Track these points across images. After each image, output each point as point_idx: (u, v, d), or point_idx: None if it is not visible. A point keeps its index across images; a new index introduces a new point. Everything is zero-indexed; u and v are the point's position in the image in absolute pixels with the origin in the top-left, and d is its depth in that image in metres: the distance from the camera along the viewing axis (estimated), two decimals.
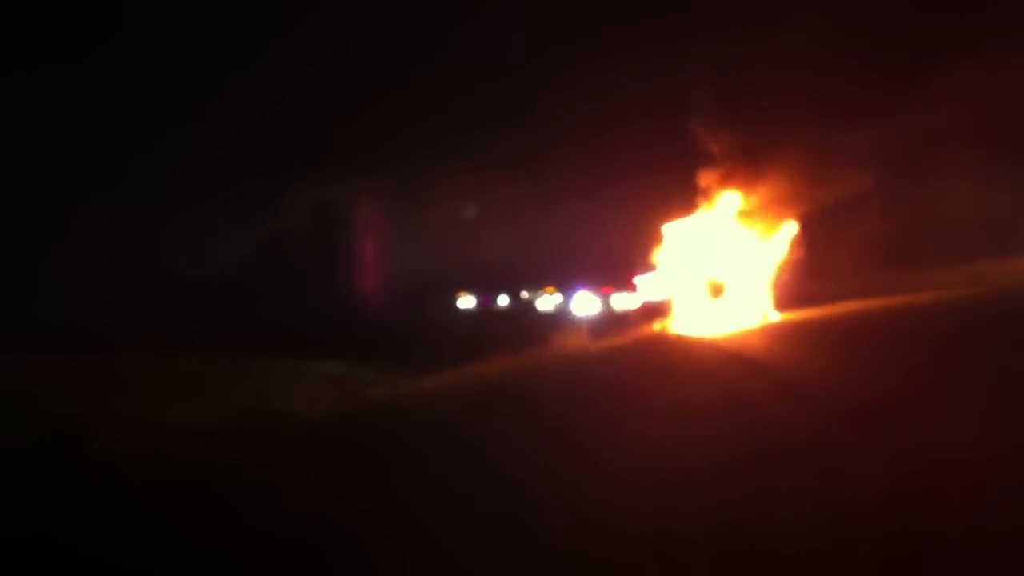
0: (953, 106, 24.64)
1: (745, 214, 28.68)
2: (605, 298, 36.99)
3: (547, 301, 37.88)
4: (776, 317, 28.08)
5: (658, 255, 29.99)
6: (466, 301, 37.67)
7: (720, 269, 29.11)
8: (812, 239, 28.40)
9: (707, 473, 8.20)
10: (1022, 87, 24.17)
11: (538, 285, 37.00)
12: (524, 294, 38.02)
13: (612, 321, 31.48)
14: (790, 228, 27.94)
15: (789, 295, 30.08)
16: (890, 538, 6.24)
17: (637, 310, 33.83)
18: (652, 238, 29.78)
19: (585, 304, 36.32)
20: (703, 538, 6.74)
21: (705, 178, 28.83)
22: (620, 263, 34.73)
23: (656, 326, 28.98)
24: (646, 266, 31.99)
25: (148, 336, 21.36)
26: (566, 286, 36.62)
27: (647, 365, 19.59)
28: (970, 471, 7.23)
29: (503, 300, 37.75)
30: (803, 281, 34.34)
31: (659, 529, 6.96)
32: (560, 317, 35.34)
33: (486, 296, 35.80)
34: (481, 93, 33.99)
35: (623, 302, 36.38)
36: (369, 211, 33.48)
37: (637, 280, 35.16)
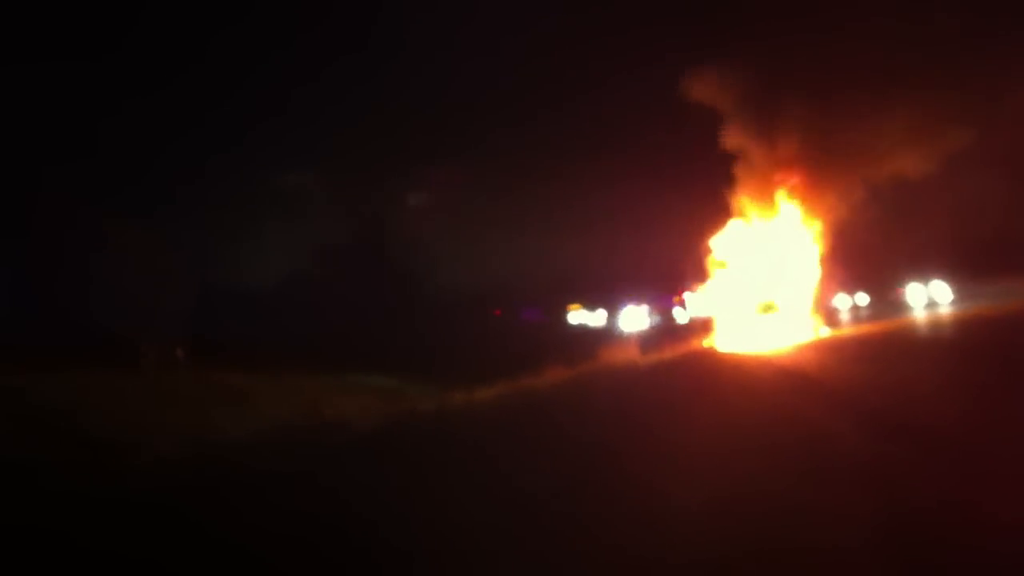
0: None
1: (797, 229, 28.44)
2: (654, 313, 36.81)
3: (575, 317, 37.81)
4: (827, 332, 27.72)
5: (707, 270, 29.87)
6: (582, 315, 37.55)
7: (770, 284, 28.87)
8: (862, 253, 28.03)
9: (760, 490, 8.11)
10: None
11: (592, 301, 36.96)
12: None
13: (661, 336, 31.23)
14: (841, 242, 27.63)
15: (838, 310, 29.81)
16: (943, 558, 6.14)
17: (686, 325, 33.60)
18: (701, 253, 29.65)
19: (633, 319, 36.16)
20: (751, 557, 6.66)
21: (756, 192, 28.67)
22: (669, 278, 34.59)
23: (705, 342, 28.79)
24: (696, 281, 31.86)
25: (197, 349, 21.76)
26: (614, 301, 36.49)
27: (697, 382, 19.41)
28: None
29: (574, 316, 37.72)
30: (852, 295, 34.01)
31: (709, 548, 6.89)
32: (608, 332, 35.18)
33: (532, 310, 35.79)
34: (524, 107, 34.11)
35: (673, 317, 36.18)
36: (420, 223, 33.83)
37: (686, 296, 34.98)
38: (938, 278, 33.02)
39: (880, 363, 17.63)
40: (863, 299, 36.51)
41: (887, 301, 33.78)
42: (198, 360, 20.65)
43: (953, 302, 31.70)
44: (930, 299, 32.88)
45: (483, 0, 30.87)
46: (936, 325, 26.41)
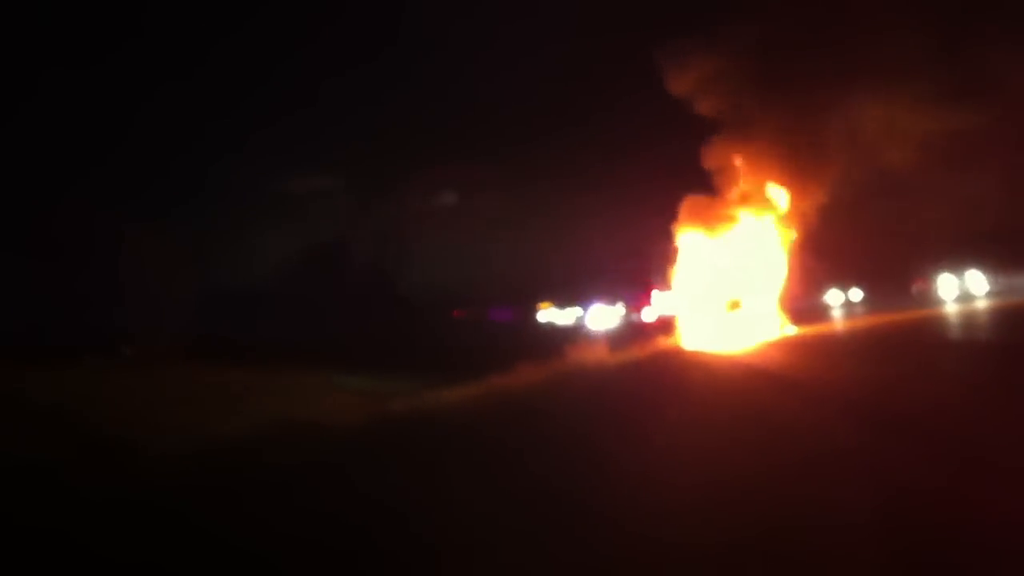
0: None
1: (762, 228, 28.78)
2: (622, 311, 37.05)
3: (544, 315, 37.88)
4: (793, 330, 28.16)
5: (674, 269, 30.09)
6: (553, 314, 37.35)
7: (736, 283, 29.18)
8: (827, 253, 28.38)
9: (732, 484, 8.26)
10: None
11: (563, 299, 37.02)
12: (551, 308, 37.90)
13: (629, 335, 31.49)
14: (806, 243, 28.02)
15: (804, 308, 30.18)
16: (915, 546, 6.33)
17: (653, 323, 33.85)
18: (668, 252, 29.87)
19: (601, 317, 36.38)
20: (727, 548, 6.77)
21: (722, 192, 28.96)
22: (636, 277, 34.82)
23: (672, 340, 29.04)
24: (662, 280, 32.12)
25: (181, 347, 21.58)
26: (582, 299, 36.66)
27: (667, 379, 19.64)
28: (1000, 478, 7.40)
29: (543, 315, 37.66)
30: (817, 294, 34.50)
31: (683, 540, 7.00)
32: (576, 331, 35.34)
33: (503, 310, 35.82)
34: (503, 111, 34.27)
35: (640, 316, 36.43)
36: (398, 228, 33.74)
37: (653, 294, 35.24)
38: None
39: (844, 359, 18.03)
40: (856, 295, 37.02)
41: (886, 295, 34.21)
42: (185, 358, 20.44)
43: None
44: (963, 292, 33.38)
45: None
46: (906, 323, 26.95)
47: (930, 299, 32.87)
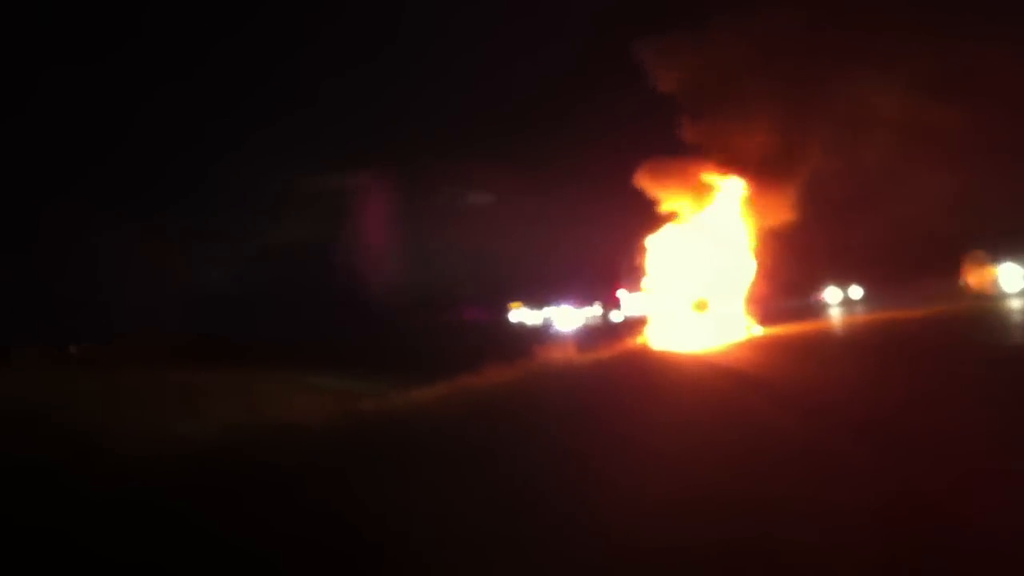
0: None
1: (729, 229, 29.00)
2: (590, 312, 37.16)
3: (516, 315, 37.83)
4: (760, 331, 28.39)
5: (642, 270, 30.21)
6: (523, 314, 37.05)
7: (704, 284, 29.36)
8: (794, 254, 28.58)
9: (701, 485, 8.28)
10: None
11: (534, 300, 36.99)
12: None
13: (598, 335, 31.57)
14: (773, 244, 28.23)
15: (772, 309, 30.36)
16: (887, 544, 6.39)
17: (621, 324, 33.98)
18: (635, 253, 29.97)
19: (570, 318, 36.45)
20: (698, 551, 6.79)
21: (688, 192, 29.09)
22: (604, 277, 34.92)
23: (640, 340, 29.16)
24: (630, 281, 32.26)
25: (150, 347, 21.32)
26: (550, 300, 36.72)
27: (635, 380, 19.68)
28: (963, 478, 7.49)
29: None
30: (785, 295, 34.66)
31: (648, 544, 7.00)
32: (545, 331, 35.39)
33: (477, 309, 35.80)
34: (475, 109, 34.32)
35: (608, 316, 36.55)
36: (364, 225, 33.52)
37: (621, 295, 35.37)
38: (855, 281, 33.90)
39: (807, 360, 18.23)
40: (857, 292, 36.63)
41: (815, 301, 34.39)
42: (154, 359, 20.16)
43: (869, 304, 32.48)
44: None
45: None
46: (857, 326, 27.25)
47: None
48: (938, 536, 6.44)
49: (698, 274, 29.41)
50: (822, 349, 21.49)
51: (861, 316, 30.44)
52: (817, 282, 35.35)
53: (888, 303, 31.01)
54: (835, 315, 32.50)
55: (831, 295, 36.71)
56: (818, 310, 34.23)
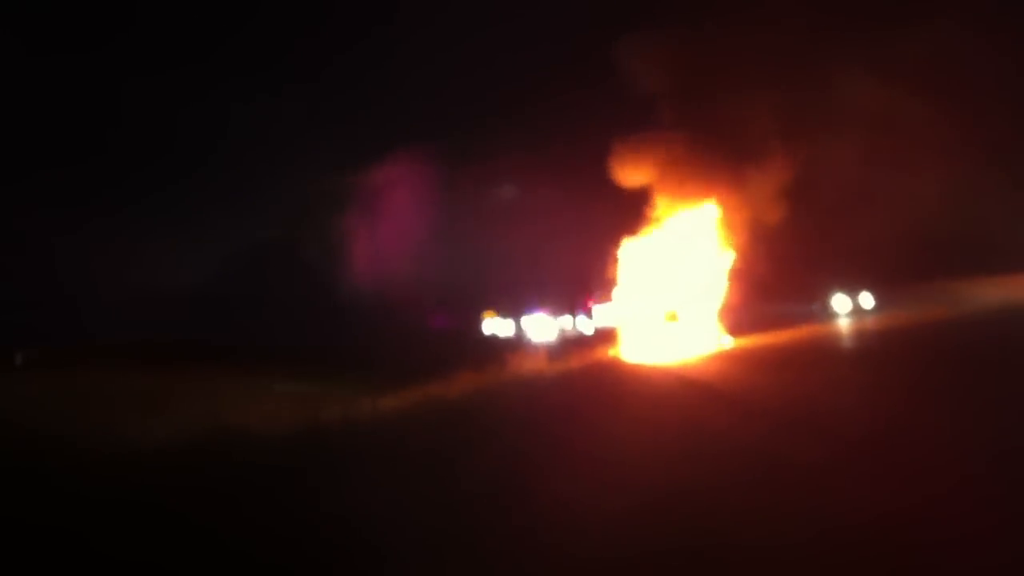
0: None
1: (700, 240, 29.00)
2: (562, 323, 37.04)
3: (490, 325, 37.64)
4: (730, 342, 28.39)
5: (613, 281, 30.16)
6: (497, 323, 36.72)
7: (674, 295, 29.35)
8: (765, 265, 28.53)
9: (667, 495, 8.24)
10: None
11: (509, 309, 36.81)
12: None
13: (568, 346, 31.49)
14: (743, 254, 28.23)
15: (742, 320, 30.30)
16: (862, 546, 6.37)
17: (592, 335, 33.91)
18: (606, 263, 29.90)
19: (540, 328, 36.33)
20: (662, 561, 6.73)
21: (659, 203, 29.07)
22: (575, 287, 34.86)
23: (611, 351, 29.10)
24: (601, 292, 32.22)
25: (113, 350, 21.03)
26: (523, 310, 36.58)
27: (606, 391, 19.70)
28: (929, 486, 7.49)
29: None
30: (756, 305, 34.46)
31: (619, 554, 6.93)
32: (517, 340, 35.25)
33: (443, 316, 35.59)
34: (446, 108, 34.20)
35: (578, 327, 36.45)
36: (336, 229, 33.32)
37: (592, 306, 35.31)
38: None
39: (778, 371, 18.27)
40: (867, 300, 34.08)
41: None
42: (117, 361, 19.86)
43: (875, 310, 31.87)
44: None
45: None
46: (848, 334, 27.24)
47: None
48: (907, 548, 6.52)
49: (671, 283, 29.40)
50: (795, 359, 21.49)
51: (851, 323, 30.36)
52: (815, 286, 34.31)
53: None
54: (828, 323, 31.96)
55: (839, 303, 34.47)
56: (812, 317, 33.07)
